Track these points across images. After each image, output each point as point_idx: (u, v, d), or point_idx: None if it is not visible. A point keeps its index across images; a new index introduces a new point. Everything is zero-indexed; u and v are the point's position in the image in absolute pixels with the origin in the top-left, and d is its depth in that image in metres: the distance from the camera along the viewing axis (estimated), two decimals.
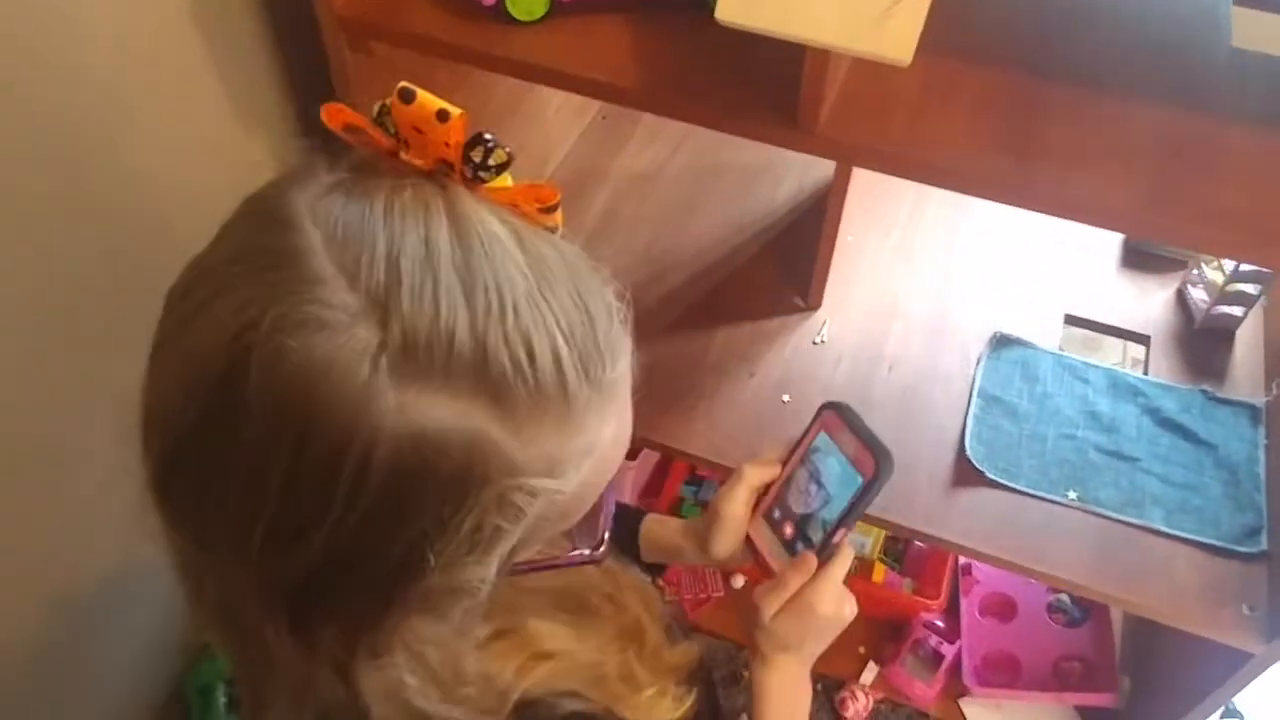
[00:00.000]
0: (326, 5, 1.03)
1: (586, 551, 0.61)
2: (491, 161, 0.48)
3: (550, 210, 0.51)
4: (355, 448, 0.43)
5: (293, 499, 0.44)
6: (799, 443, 0.90)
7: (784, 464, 0.91)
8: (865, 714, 1.63)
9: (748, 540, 0.92)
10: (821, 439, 0.88)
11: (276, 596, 0.48)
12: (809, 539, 0.86)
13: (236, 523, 0.46)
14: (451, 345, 0.44)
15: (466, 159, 0.48)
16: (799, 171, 1.66)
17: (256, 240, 0.46)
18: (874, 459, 0.83)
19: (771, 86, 0.89)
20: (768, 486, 0.92)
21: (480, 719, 0.60)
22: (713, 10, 0.77)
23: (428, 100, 0.47)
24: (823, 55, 0.81)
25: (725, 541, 0.92)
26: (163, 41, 1.08)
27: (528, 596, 0.68)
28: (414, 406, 0.43)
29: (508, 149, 0.49)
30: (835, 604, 0.86)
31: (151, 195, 1.15)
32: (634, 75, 0.94)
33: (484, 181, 0.49)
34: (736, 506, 0.91)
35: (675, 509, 1.77)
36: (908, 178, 0.88)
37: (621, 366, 0.52)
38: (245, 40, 1.19)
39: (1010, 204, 0.86)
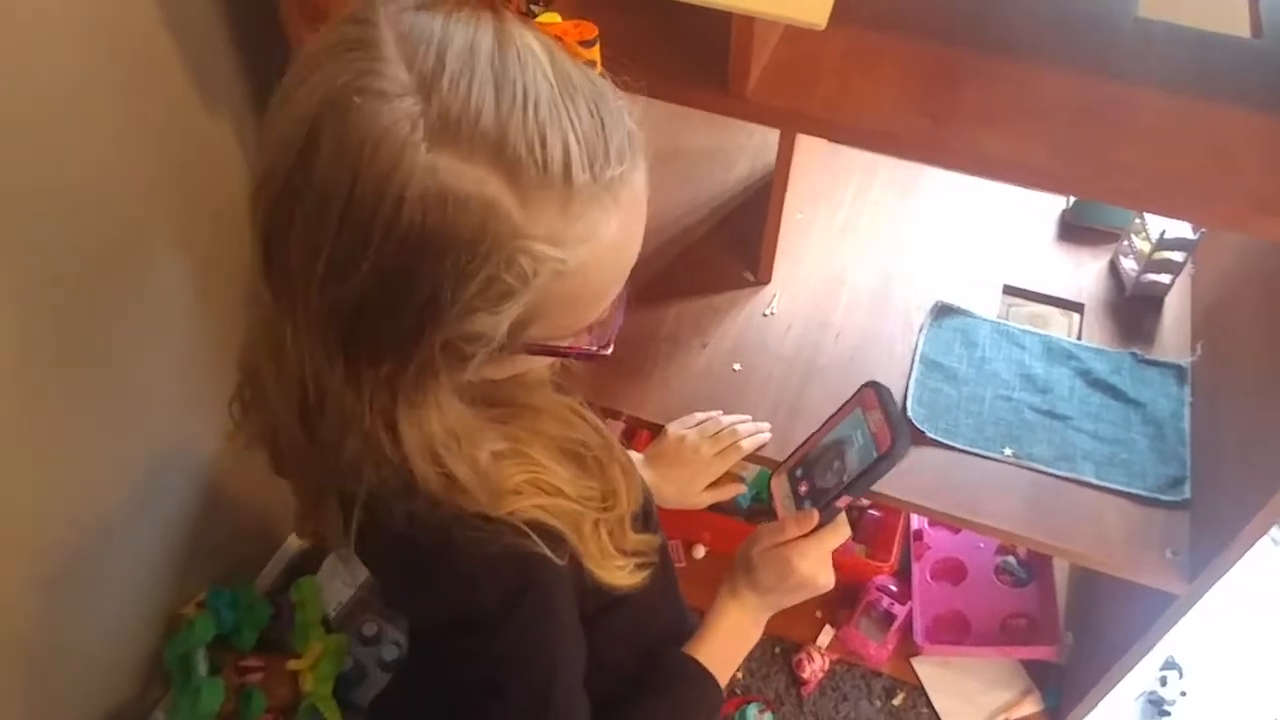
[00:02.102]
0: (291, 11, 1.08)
1: (594, 348, 0.70)
2: None
3: (589, 44, 0.62)
4: (392, 190, 0.55)
5: (348, 228, 0.56)
6: (836, 411, 0.96)
7: (820, 429, 0.97)
8: (821, 674, 1.69)
9: (769, 489, 0.98)
10: (856, 413, 0.95)
11: (334, 331, 0.61)
12: (818, 499, 0.92)
13: (309, 250, 0.58)
14: (477, 125, 0.55)
15: None
16: (751, 157, 1.72)
17: (344, 34, 0.58)
18: (892, 437, 0.90)
19: (703, 55, 0.95)
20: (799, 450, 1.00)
21: (481, 498, 0.70)
22: None
23: None
24: (749, 23, 0.87)
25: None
26: (122, 28, 1.13)
27: (536, 435, 0.77)
28: (442, 167, 0.55)
29: None
30: (814, 567, 0.92)
31: (114, 182, 1.19)
32: None
33: (535, 15, 0.61)
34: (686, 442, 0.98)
35: None
36: (834, 140, 0.94)
37: (629, 173, 0.60)
38: (204, 28, 1.23)
39: (930, 163, 0.93)
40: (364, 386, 0.64)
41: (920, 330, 1.45)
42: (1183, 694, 1.63)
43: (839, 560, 1.71)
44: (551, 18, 0.61)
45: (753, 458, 1.36)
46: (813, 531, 0.91)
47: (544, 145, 0.56)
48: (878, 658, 1.69)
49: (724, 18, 0.86)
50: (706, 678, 0.95)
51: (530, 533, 0.72)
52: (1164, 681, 1.63)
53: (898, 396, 1.36)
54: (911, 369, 1.40)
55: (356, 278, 0.57)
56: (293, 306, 0.62)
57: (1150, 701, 1.64)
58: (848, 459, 0.92)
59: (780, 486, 0.97)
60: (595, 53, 0.62)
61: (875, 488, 1.27)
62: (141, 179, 1.21)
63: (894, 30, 1.00)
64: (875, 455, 0.90)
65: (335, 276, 0.58)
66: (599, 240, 0.60)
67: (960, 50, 0.98)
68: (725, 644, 0.98)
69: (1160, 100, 0.93)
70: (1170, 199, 0.87)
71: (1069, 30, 1.01)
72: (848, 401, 0.95)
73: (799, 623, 1.74)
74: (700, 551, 1.85)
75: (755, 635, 1.01)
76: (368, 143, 0.54)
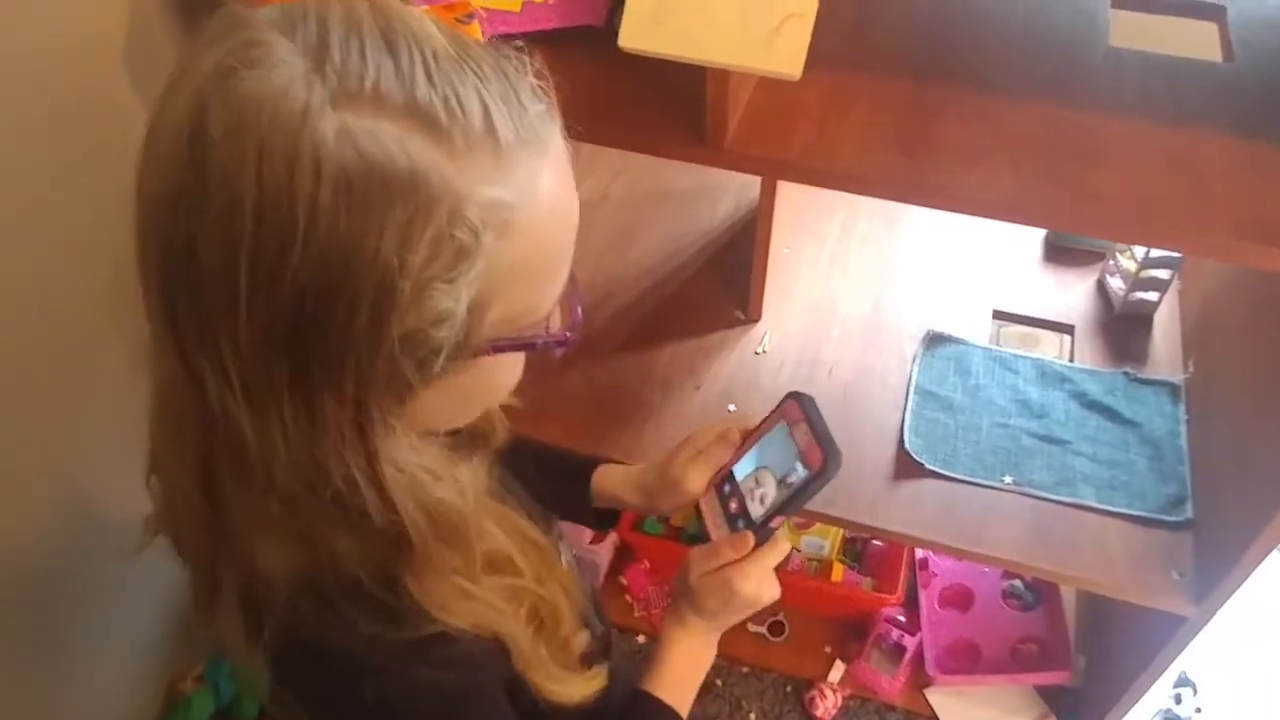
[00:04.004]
0: None
1: (566, 334, 0.66)
2: None
3: (466, 20, 0.58)
4: (304, 160, 0.49)
5: (265, 218, 0.50)
6: (759, 425, 0.94)
7: (742, 443, 0.95)
8: (835, 711, 1.68)
9: (697, 508, 0.97)
10: (780, 427, 0.91)
11: (275, 359, 0.53)
12: (750, 519, 0.91)
13: (225, 263, 0.51)
14: (379, 83, 0.50)
15: None
16: (735, 194, 1.73)
17: (214, 24, 0.53)
18: (822, 455, 0.86)
19: (681, 108, 0.95)
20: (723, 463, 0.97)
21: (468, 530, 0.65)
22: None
23: None
24: (724, 75, 0.87)
25: (669, 500, 0.98)
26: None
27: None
28: (353, 127, 0.49)
29: None
30: (756, 587, 0.89)
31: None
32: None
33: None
34: (678, 468, 0.96)
35: (637, 524, 1.82)
36: (813, 184, 0.95)
37: (549, 124, 0.57)
38: None
39: (909, 202, 0.93)
40: (327, 423, 0.56)
41: (913, 360, 1.45)
42: (1198, 710, 1.61)
43: (845, 593, 1.73)
44: (421, 7, 0.58)
45: None
46: (750, 553, 0.90)
47: (458, 97, 0.52)
48: (890, 691, 1.67)
49: (698, 69, 0.86)
50: (669, 713, 0.95)
51: (477, 638, 0.68)
52: (1179, 699, 1.62)
53: (894, 428, 1.37)
54: (907, 400, 1.40)
55: (288, 277, 0.50)
56: (214, 351, 0.54)
57: None
58: (777, 477, 0.89)
59: (710, 505, 0.95)
60: (475, 29, 0.60)
61: (869, 523, 1.29)
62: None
63: (868, 71, 1.00)
64: (807, 474, 0.86)
65: (263, 285, 0.51)
66: (537, 193, 0.56)
67: (934, 88, 0.98)
68: (681, 674, 0.97)
69: (1135, 129, 0.94)
70: (1150, 229, 0.87)
71: (1041, 63, 1.01)
72: (770, 415, 0.93)
73: (810, 660, 1.73)
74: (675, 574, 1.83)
75: (709, 658, 1.00)
76: (264, 113, 0.49)
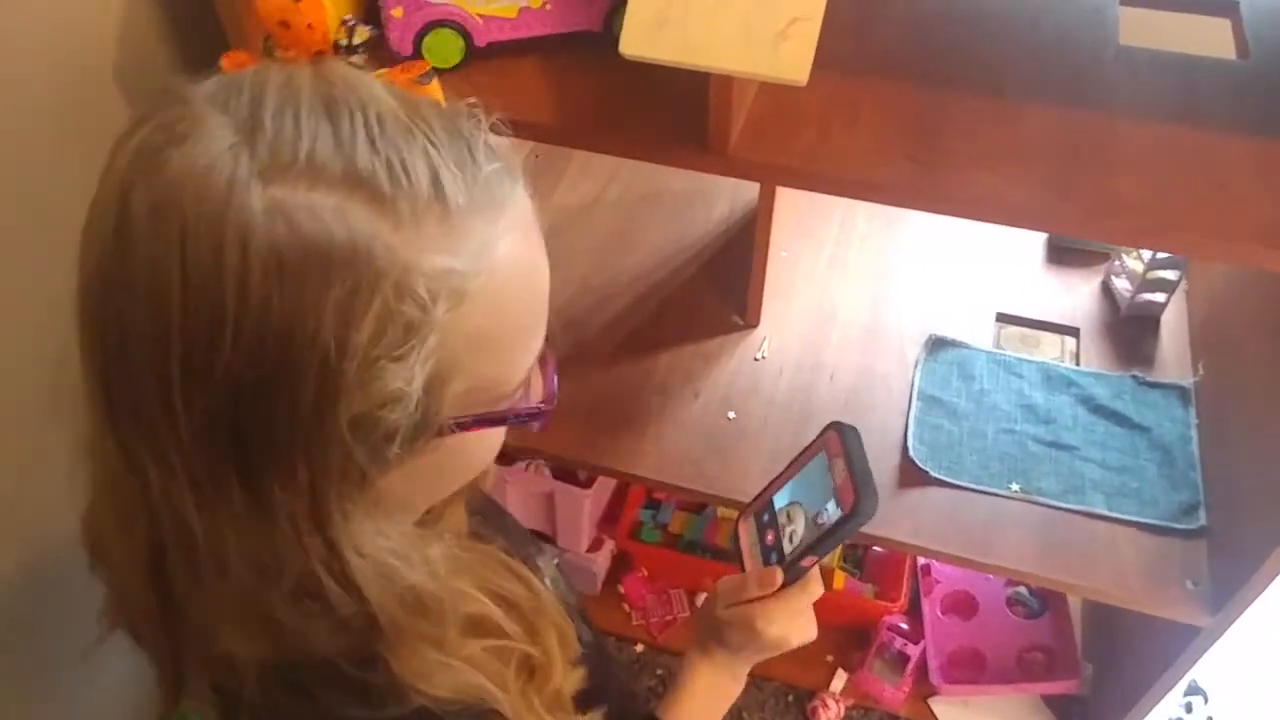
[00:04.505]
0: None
1: (539, 406, 0.61)
2: (357, 40, 0.53)
3: (425, 79, 0.54)
4: (231, 238, 0.45)
5: (192, 304, 0.46)
6: (801, 453, 0.89)
7: (784, 470, 0.90)
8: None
9: (735, 532, 0.92)
10: (820, 458, 0.86)
11: (218, 452, 0.50)
12: (782, 553, 0.85)
13: (155, 354, 0.48)
14: (314, 153, 0.47)
15: (335, 45, 0.52)
16: (730, 195, 1.69)
17: (150, 106, 0.50)
18: (854, 497, 0.81)
19: (683, 114, 0.92)
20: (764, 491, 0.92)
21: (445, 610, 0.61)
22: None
23: None
24: (727, 81, 0.84)
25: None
26: (84, 81, 1.09)
27: (464, 578, 0.67)
28: (284, 202, 0.46)
29: (369, 27, 0.52)
30: (783, 628, 0.85)
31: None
32: (552, 113, 0.97)
33: (359, 67, 0.53)
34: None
35: (634, 532, 1.79)
36: (819, 191, 0.91)
37: (506, 183, 0.53)
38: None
39: (918, 209, 0.90)
40: (279, 512, 0.52)
41: (916, 365, 1.42)
42: (1209, 719, 1.59)
43: (847, 601, 1.70)
44: (378, 74, 0.54)
45: (731, 504, 1.32)
46: (778, 591, 0.85)
47: (403, 162, 0.48)
48: (894, 700, 1.65)
49: (700, 75, 0.83)
50: None
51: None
52: (1189, 708, 1.60)
53: (897, 436, 1.34)
54: (910, 406, 1.37)
55: (222, 365, 0.47)
56: (154, 442, 0.50)
57: None
58: (811, 514, 0.84)
59: (747, 533, 0.90)
60: (435, 89, 0.56)
61: (874, 533, 1.26)
62: None
63: (873, 75, 0.97)
64: (840, 515, 0.81)
65: (197, 375, 0.48)
66: (495, 258, 0.52)
67: (941, 91, 0.95)
68: (701, 703, 0.93)
69: (1150, 131, 0.91)
70: (1172, 237, 0.84)
71: (1050, 64, 0.98)
72: (812, 443, 0.88)
73: (812, 669, 1.70)
74: (703, 599, 1.81)
75: (735, 690, 0.96)
76: (188, 190, 0.46)
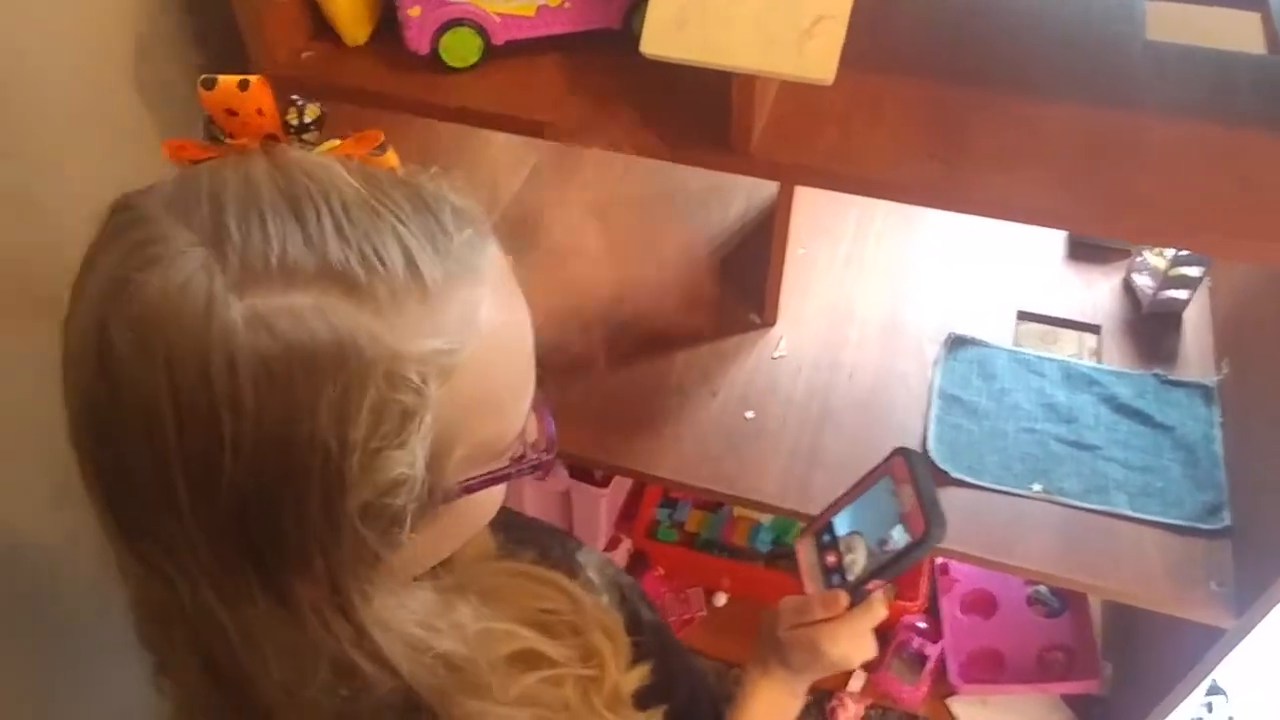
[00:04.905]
0: (269, 63, 1.04)
1: (539, 456, 0.61)
2: (308, 119, 0.52)
3: (379, 151, 0.54)
4: (216, 358, 0.45)
5: (189, 430, 0.47)
6: (865, 476, 0.89)
7: (847, 493, 0.90)
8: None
9: (794, 552, 0.92)
10: (885, 482, 0.86)
11: (234, 558, 0.50)
12: (844, 575, 0.86)
13: (158, 481, 0.48)
14: (285, 255, 0.47)
15: (285, 126, 0.51)
16: (746, 191, 1.68)
17: (109, 225, 0.50)
18: (925, 523, 0.81)
19: (704, 113, 0.91)
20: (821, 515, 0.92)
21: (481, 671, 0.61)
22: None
23: (227, 80, 0.50)
24: (749, 80, 0.83)
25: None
26: (97, 85, 1.08)
27: (501, 612, 0.67)
28: (265, 312, 0.46)
29: (319, 104, 0.52)
30: (846, 649, 0.86)
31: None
32: (571, 113, 0.96)
33: (311, 145, 0.52)
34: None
35: (651, 531, 1.79)
36: (841, 191, 0.90)
37: (477, 242, 0.53)
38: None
39: (942, 208, 0.89)
40: (302, 605, 0.52)
41: (935, 364, 1.41)
42: (1230, 719, 1.58)
43: None
44: (331, 144, 0.53)
45: (770, 509, 1.32)
46: (843, 613, 0.85)
47: (374, 247, 0.48)
48: (912, 700, 1.64)
49: (721, 74, 0.82)
50: None
51: None
52: (1210, 708, 1.59)
53: (917, 435, 1.33)
54: (929, 406, 1.36)
55: (225, 482, 0.47)
56: (171, 556, 0.51)
57: None
58: (877, 538, 0.84)
59: (806, 554, 0.90)
60: (391, 157, 0.55)
61: None
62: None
63: (895, 72, 0.96)
64: (907, 541, 0.82)
65: (202, 493, 0.48)
66: (478, 325, 0.52)
67: (964, 88, 0.94)
68: None
69: (1179, 129, 0.90)
70: (1198, 237, 0.83)
71: (1076, 60, 0.97)
72: (877, 468, 0.88)
73: None
74: (721, 599, 1.80)
75: (796, 707, 0.96)
76: (165, 316, 0.46)
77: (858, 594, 0.84)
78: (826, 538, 0.89)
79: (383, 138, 0.53)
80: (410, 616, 0.57)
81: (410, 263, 0.49)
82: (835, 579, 0.86)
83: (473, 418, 0.54)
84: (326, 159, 0.51)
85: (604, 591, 0.86)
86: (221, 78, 0.50)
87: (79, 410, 0.50)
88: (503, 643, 0.65)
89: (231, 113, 0.50)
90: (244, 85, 0.50)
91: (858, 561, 0.85)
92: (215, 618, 0.53)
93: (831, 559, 0.87)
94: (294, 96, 0.51)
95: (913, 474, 0.84)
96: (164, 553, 0.51)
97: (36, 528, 1.15)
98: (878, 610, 0.86)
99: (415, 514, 0.52)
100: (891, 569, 0.83)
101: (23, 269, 1.04)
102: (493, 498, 0.62)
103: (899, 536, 0.82)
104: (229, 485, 0.48)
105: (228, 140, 0.51)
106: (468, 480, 0.56)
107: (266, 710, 0.58)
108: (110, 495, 0.51)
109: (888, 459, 0.87)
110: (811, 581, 0.89)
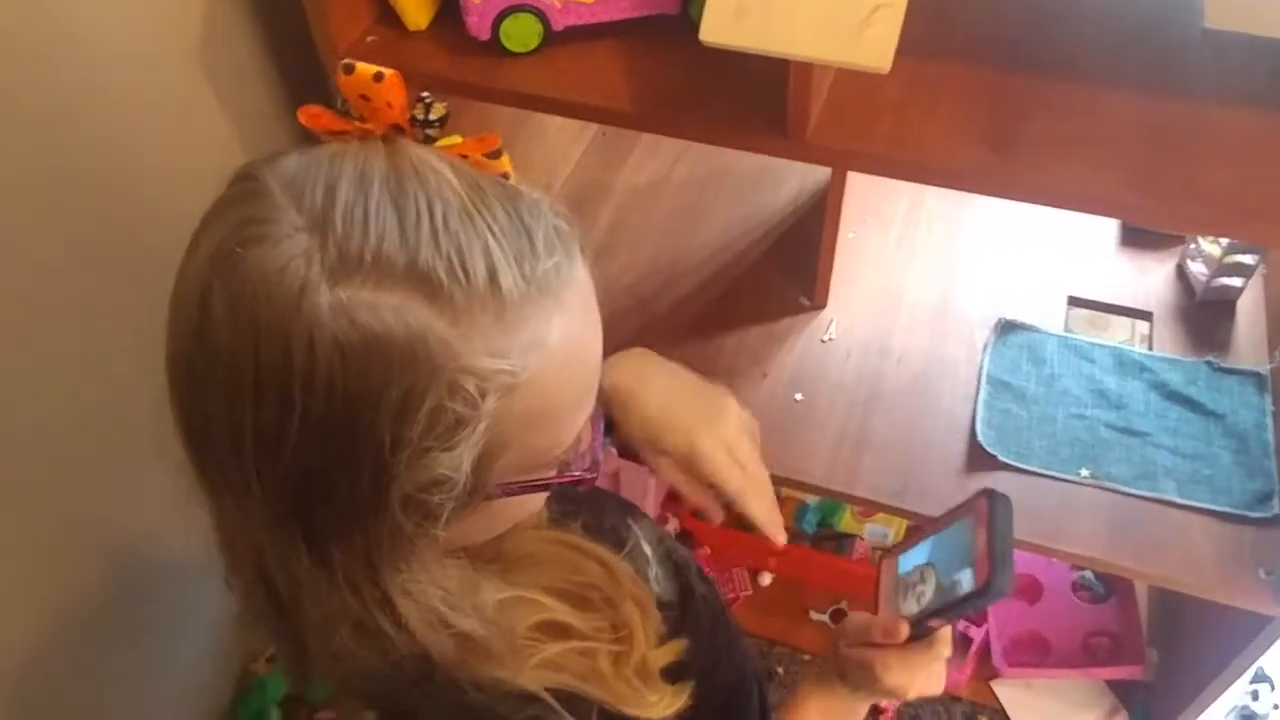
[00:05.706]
0: (329, 52, 1.07)
1: (579, 472, 0.63)
2: (433, 116, 0.55)
3: (494, 155, 0.56)
4: (299, 339, 0.49)
5: (264, 396, 0.51)
6: (951, 511, 0.87)
7: (935, 522, 0.88)
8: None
9: (879, 567, 0.91)
10: (966, 520, 0.84)
11: (286, 514, 0.55)
12: (911, 609, 0.84)
13: (233, 433, 0.53)
14: (381, 251, 0.50)
15: (412, 119, 0.54)
16: (799, 174, 1.69)
17: (228, 194, 0.54)
18: (989, 574, 0.78)
19: (760, 99, 0.92)
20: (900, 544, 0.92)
21: (497, 650, 0.65)
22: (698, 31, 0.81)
23: (365, 68, 0.53)
24: (806, 67, 0.84)
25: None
26: (166, 63, 1.12)
27: (535, 582, 0.70)
28: (350, 301, 0.49)
29: (445, 103, 0.55)
30: (899, 679, 0.84)
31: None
32: (628, 98, 0.98)
33: (433, 140, 0.55)
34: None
35: (698, 511, 1.80)
36: (897, 178, 0.91)
37: (564, 267, 0.55)
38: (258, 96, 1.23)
39: (998, 196, 0.90)
40: (337, 570, 0.57)
41: (985, 349, 1.41)
42: (1276, 707, 1.57)
43: None
44: (452, 140, 0.56)
45: (817, 491, 1.33)
46: (901, 644, 0.84)
47: (462, 257, 0.51)
48: (956, 682, 1.65)
49: (778, 61, 0.83)
50: None
51: (554, 704, 0.66)
52: (1255, 695, 1.58)
53: (965, 420, 1.33)
54: (978, 391, 1.36)
55: (288, 449, 0.52)
56: (237, 498, 0.56)
57: (1244, 717, 1.59)
58: (950, 576, 0.81)
59: (888, 575, 0.89)
60: (505, 163, 0.57)
61: None
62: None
63: (952, 60, 0.96)
64: (971, 588, 0.78)
65: (268, 454, 0.52)
66: (547, 346, 0.54)
67: (1022, 77, 0.95)
68: None
69: (1240, 118, 0.89)
70: (1255, 227, 0.83)
71: (1134, 48, 0.97)
72: (964, 503, 0.86)
73: None
74: (766, 579, 1.82)
75: (861, 712, 0.96)
76: (261, 293, 0.49)
77: (921, 627, 0.82)
78: (908, 563, 0.88)
79: (499, 143, 0.56)
80: (436, 592, 0.61)
81: (493, 278, 0.51)
82: (906, 605, 0.85)
83: (527, 429, 0.56)
84: (441, 162, 0.53)
85: (657, 564, 0.88)
86: (360, 65, 0.53)
87: (175, 355, 0.54)
88: (530, 611, 0.68)
89: (365, 99, 0.53)
90: (379, 77, 0.53)
91: (926, 595, 0.83)
92: (267, 556, 0.59)
93: (906, 585, 0.86)
94: (424, 94, 0.54)
95: (991, 519, 0.81)
96: (230, 491, 0.56)
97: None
98: (939, 649, 0.84)
99: (453, 511, 0.56)
100: (951, 612, 0.80)
101: (130, 256, 1.07)
102: (533, 500, 0.65)
103: (965, 581, 0.79)
104: (291, 452, 0.52)
105: (359, 121, 0.54)
106: (509, 483, 0.59)
107: (302, 636, 0.64)
108: (190, 434, 0.56)
109: (974, 498, 0.84)
110: (884, 602, 0.87)
